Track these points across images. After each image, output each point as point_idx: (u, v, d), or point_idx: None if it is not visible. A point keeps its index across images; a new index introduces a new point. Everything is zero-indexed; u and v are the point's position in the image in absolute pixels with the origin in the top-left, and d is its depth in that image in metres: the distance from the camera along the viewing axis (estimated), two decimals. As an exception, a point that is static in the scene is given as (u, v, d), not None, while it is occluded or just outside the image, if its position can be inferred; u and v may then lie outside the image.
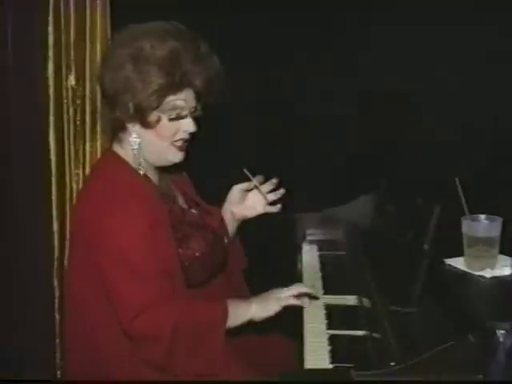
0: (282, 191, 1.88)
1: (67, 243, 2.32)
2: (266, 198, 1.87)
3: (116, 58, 1.61)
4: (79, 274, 1.64)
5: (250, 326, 1.65)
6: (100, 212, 1.58)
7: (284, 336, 1.92)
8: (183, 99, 1.64)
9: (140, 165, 1.67)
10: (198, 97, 1.68)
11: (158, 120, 1.63)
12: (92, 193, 1.67)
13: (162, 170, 1.77)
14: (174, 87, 1.61)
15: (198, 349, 1.54)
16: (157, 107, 1.62)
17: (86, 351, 1.64)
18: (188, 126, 1.67)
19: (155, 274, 1.55)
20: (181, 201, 1.82)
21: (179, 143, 1.68)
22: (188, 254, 1.67)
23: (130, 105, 1.60)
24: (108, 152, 1.75)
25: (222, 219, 1.90)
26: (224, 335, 1.57)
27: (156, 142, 1.66)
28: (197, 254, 1.68)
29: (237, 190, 1.92)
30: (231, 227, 1.94)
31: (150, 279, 1.55)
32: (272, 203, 1.89)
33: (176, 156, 1.69)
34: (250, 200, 1.93)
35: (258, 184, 1.87)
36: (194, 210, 1.82)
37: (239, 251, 1.99)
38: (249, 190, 1.92)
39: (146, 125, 1.63)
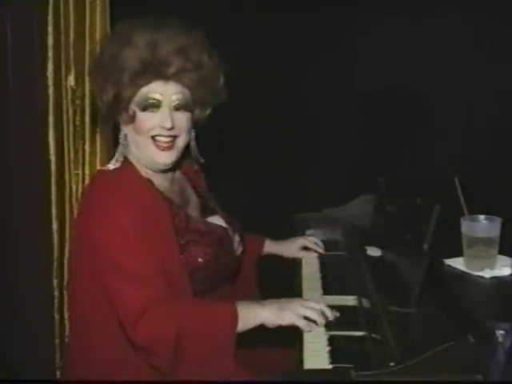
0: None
1: (67, 243, 2.33)
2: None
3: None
4: (82, 276, 1.63)
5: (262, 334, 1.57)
6: (89, 213, 1.60)
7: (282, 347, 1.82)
8: (159, 92, 1.61)
9: (117, 158, 1.68)
10: (192, 94, 1.67)
11: (134, 114, 1.63)
12: (89, 193, 1.70)
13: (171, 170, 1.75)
14: (147, 75, 1.59)
15: (207, 353, 1.48)
16: (132, 97, 1.61)
17: (88, 351, 1.63)
18: (163, 121, 1.62)
19: (150, 276, 1.53)
20: (192, 205, 1.81)
21: (160, 143, 1.64)
22: (191, 260, 1.63)
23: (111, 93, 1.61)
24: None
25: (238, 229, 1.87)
26: (235, 338, 1.49)
27: (135, 136, 1.65)
28: (200, 260, 1.64)
29: (300, 243, 2.19)
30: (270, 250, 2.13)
31: (146, 281, 1.52)
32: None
33: (161, 157, 1.65)
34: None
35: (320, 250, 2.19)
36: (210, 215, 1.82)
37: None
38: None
39: (125, 120, 1.64)
